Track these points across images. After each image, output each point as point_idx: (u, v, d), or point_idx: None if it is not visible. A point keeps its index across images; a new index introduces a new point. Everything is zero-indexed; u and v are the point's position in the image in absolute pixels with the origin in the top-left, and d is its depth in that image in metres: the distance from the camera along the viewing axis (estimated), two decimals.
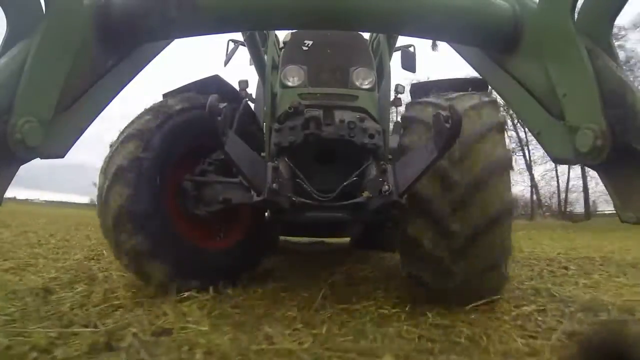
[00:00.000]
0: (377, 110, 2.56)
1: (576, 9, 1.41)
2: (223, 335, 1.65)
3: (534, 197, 28.83)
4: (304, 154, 2.33)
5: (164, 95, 2.82)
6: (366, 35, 3.22)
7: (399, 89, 4.37)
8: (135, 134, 2.39)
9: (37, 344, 1.49)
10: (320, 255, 4.78)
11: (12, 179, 1.37)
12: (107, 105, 1.66)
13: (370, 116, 2.46)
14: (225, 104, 1.67)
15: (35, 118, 1.32)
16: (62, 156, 1.49)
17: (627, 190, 1.32)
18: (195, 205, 2.52)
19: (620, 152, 1.26)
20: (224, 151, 1.75)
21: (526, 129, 19.46)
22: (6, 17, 1.37)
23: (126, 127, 2.50)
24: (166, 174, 2.42)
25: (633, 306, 2.31)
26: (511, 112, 14.65)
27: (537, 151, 25.57)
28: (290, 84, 2.55)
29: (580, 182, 25.43)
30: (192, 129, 2.51)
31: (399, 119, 4.05)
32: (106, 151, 2.48)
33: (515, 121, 24.28)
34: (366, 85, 2.56)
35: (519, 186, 28.10)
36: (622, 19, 18.45)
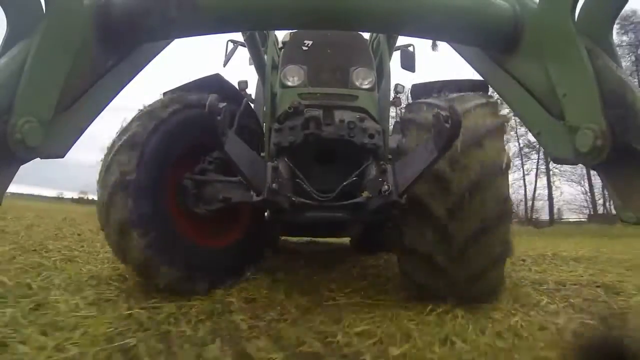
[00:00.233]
0: (377, 110, 2.56)
1: (576, 9, 1.41)
2: None
3: None
4: (303, 153, 2.33)
5: (164, 94, 2.81)
6: (366, 35, 3.22)
7: (398, 89, 4.37)
8: (129, 143, 2.33)
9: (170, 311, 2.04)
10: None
11: (12, 179, 1.37)
12: (107, 105, 1.66)
13: (370, 116, 2.46)
14: (224, 104, 1.67)
15: (35, 118, 1.31)
16: (62, 156, 1.48)
17: (627, 190, 1.31)
18: (195, 204, 2.51)
19: (620, 152, 1.25)
20: (224, 151, 1.75)
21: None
22: (6, 17, 1.37)
23: (119, 134, 2.44)
24: (165, 177, 2.42)
25: (564, 281, 3.18)
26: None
27: None
28: (290, 83, 2.55)
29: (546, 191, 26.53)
30: (186, 129, 2.50)
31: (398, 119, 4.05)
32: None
33: None
34: (366, 85, 2.56)
35: None
36: None
